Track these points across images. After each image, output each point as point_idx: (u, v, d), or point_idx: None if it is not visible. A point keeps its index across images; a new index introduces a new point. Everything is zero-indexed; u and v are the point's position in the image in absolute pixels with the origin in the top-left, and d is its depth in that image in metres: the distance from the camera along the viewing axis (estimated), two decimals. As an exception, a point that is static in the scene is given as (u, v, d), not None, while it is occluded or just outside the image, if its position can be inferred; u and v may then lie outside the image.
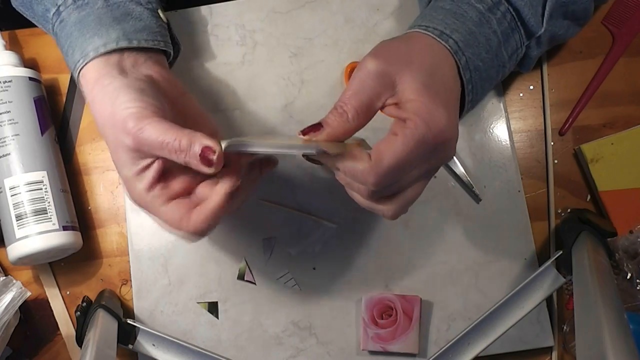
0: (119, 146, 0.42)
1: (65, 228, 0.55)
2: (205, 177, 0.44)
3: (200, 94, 0.60)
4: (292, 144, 0.41)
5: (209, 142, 0.40)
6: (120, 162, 0.43)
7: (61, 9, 0.46)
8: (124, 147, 0.42)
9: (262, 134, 0.59)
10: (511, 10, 0.46)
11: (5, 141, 0.55)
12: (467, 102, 0.46)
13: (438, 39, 0.44)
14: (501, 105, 0.60)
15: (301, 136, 0.41)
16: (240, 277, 0.58)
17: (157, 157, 0.42)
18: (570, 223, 0.56)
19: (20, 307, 0.54)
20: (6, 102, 0.55)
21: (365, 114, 0.41)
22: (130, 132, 0.41)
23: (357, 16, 0.61)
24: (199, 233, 0.43)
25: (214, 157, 0.40)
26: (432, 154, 0.41)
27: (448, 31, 0.44)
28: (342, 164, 0.41)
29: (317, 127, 0.41)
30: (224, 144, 0.42)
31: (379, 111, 0.43)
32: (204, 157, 0.40)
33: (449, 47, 0.44)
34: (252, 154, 0.46)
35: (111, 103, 0.42)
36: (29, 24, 0.54)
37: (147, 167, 0.42)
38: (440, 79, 0.42)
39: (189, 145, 0.40)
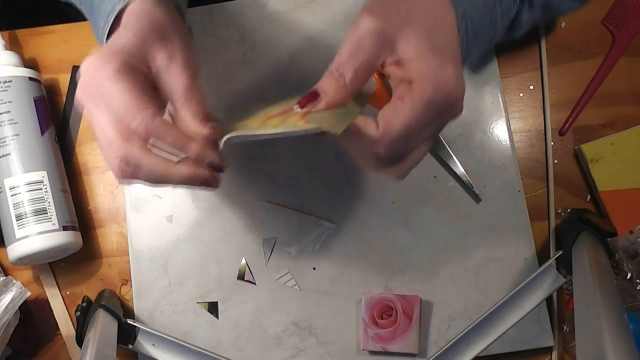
0: (134, 29, 0.39)
1: (65, 228, 0.55)
2: None
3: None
4: (293, 126, 0.38)
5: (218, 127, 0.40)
6: (125, 35, 0.39)
7: None
8: (144, 37, 0.39)
9: (257, 101, 0.56)
10: None
11: (5, 141, 0.55)
12: None
13: None
14: (501, 105, 0.60)
15: (298, 109, 0.39)
16: (240, 277, 0.58)
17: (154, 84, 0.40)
18: (570, 223, 0.56)
19: (20, 307, 0.54)
20: (6, 102, 0.55)
21: (364, 75, 0.39)
22: (174, 56, 0.39)
23: (357, 16, 0.61)
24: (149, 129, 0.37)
25: (207, 126, 0.39)
26: (441, 114, 0.39)
27: None
28: (349, 138, 0.39)
29: (313, 96, 0.39)
30: (223, 138, 0.40)
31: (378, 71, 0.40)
32: (203, 118, 0.39)
33: None
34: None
35: (171, 21, 0.41)
36: (29, 24, 0.54)
37: (144, 61, 0.39)
38: (442, 35, 0.40)
39: (198, 111, 0.39)
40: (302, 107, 0.39)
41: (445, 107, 0.38)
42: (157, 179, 0.39)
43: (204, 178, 0.40)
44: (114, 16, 0.42)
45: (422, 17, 0.39)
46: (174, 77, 0.39)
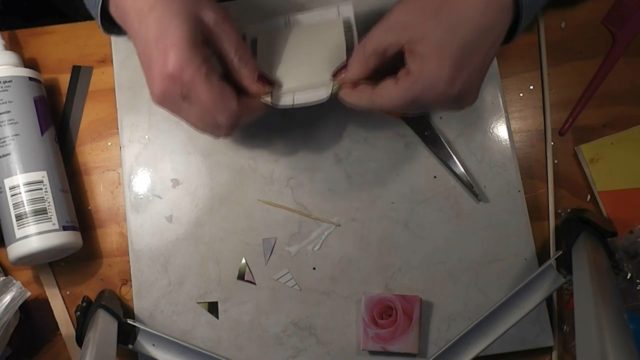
0: (186, 15, 0.42)
1: (65, 228, 0.55)
2: None
3: (200, 94, 0.60)
4: (314, 92, 0.49)
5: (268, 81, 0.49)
6: (178, 27, 0.41)
7: None
8: (196, 19, 0.43)
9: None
10: None
11: (5, 141, 0.55)
12: (522, 20, 0.45)
13: None
14: (501, 105, 0.60)
15: (331, 78, 0.49)
16: (240, 277, 0.58)
17: (213, 52, 0.45)
18: (570, 223, 0.56)
19: (20, 307, 0.54)
20: (6, 102, 0.55)
21: (380, 57, 0.45)
22: (221, 16, 0.44)
23: (357, 16, 0.61)
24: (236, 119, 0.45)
25: (265, 86, 0.48)
26: (427, 107, 0.46)
27: None
28: (346, 100, 0.48)
29: (342, 68, 0.48)
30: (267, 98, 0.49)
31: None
32: (260, 78, 0.47)
33: None
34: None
35: None
36: (29, 24, 0.54)
37: (205, 45, 0.43)
38: (464, 32, 0.41)
39: (254, 70, 0.47)
40: (333, 75, 0.49)
41: (432, 104, 0.44)
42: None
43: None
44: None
45: (449, 14, 0.42)
46: (227, 32, 0.45)
